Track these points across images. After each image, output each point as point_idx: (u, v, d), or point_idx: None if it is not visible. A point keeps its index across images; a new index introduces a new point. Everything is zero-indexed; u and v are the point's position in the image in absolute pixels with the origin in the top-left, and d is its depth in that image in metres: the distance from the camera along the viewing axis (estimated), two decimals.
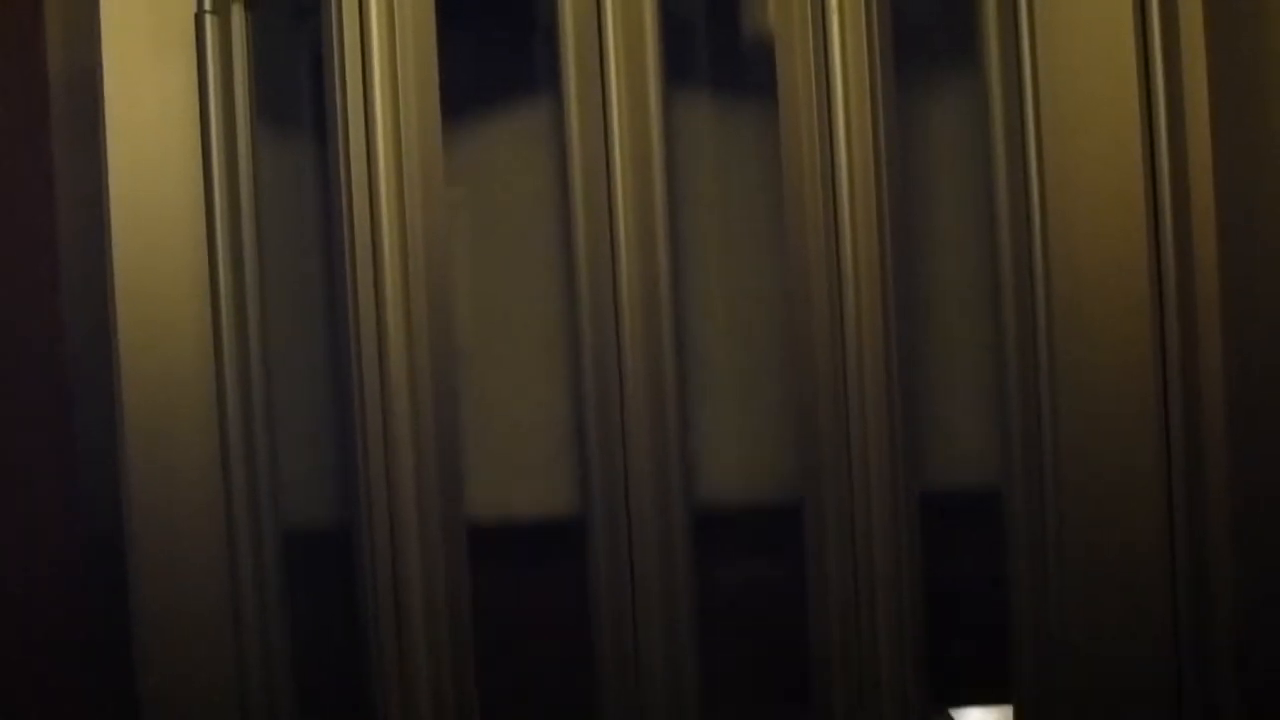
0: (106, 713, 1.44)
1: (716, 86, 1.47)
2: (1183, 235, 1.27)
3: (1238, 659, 1.27)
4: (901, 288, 1.27)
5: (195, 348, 1.37)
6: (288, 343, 1.39)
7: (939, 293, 1.38)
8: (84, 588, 1.48)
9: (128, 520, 1.32)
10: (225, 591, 1.36)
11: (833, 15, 1.22)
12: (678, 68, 1.40)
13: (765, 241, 1.35)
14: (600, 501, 1.38)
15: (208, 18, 1.39)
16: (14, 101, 1.53)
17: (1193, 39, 1.26)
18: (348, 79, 1.24)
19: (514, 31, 1.46)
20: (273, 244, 1.40)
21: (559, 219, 1.40)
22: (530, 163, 1.44)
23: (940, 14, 1.38)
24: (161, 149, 1.36)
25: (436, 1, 1.29)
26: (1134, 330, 1.28)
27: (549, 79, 1.40)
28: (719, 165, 1.47)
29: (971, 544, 1.36)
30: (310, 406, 1.40)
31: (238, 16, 1.38)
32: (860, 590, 1.27)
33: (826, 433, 1.28)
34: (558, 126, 1.40)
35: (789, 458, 1.32)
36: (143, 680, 1.31)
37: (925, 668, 1.30)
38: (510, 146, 1.48)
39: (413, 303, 1.26)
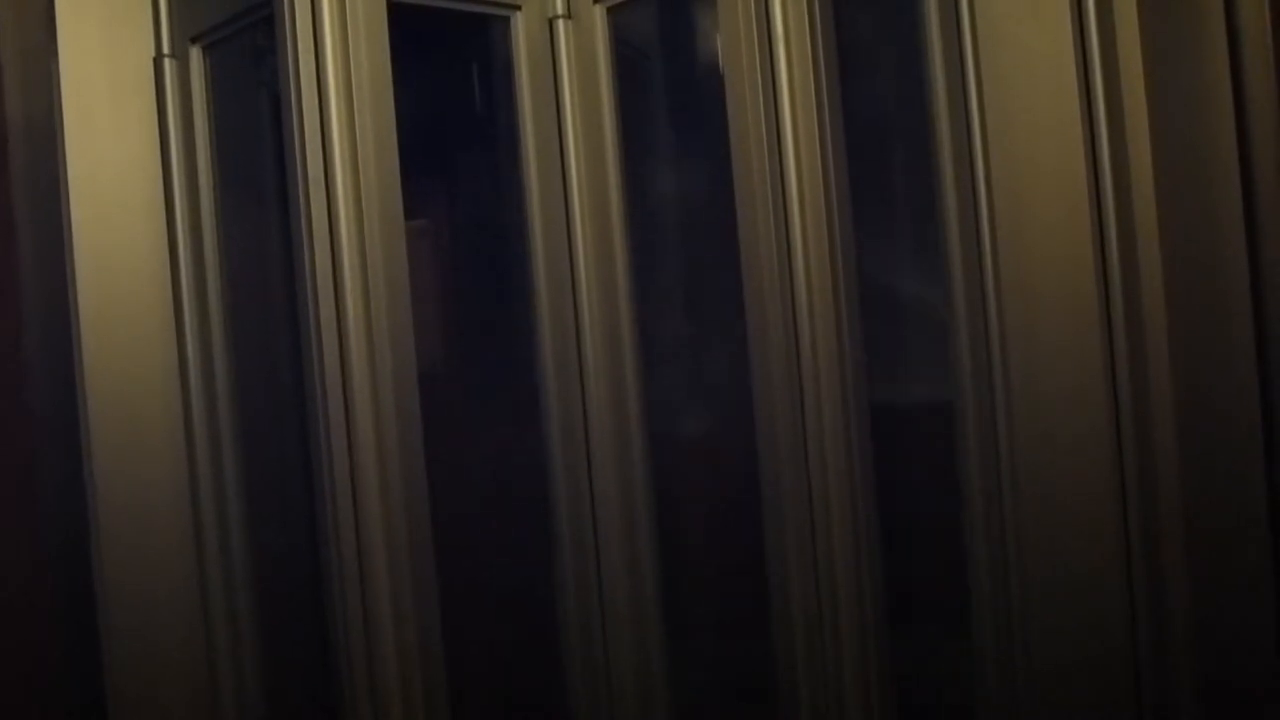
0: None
1: (670, 116, 1.50)
2: (1125, 218, 1.28)
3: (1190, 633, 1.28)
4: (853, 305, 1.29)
5: (160, 386, 1.37)
6: (253, 374, 1.40)
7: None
8: (49, 597, 1.44)
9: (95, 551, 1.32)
10: (195, 609, 1.37)
11: (779, 49, 1.25)
12: (632, 100, 1.43)
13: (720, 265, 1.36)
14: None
15: (166, 61, 1.40)
16: None
17: (1130, 62, 1.29)
18: (305, 118, 1.25)
19: (469, 67, 1.49)
20: (238, 284, 1.41)
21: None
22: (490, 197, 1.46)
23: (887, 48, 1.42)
24: (123, 193, 1.37)
25: (391, 39, 1.30)
26: (1084, 346, 1.30)
27: (507, 114, 1.43)
28: (674, 191, 1.49)
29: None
30: (277, 439, 1.41)
31: (196, 60, 1.40)
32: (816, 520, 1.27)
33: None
34: (516, 160, 1.43)
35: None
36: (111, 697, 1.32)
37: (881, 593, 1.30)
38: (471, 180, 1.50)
39: (374, 329, 1.26)
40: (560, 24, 1.42)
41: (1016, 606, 1.33)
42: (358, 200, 1.26)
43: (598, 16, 1.40)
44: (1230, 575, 1.29)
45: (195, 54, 1.39)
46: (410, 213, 1.33)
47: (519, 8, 1.41)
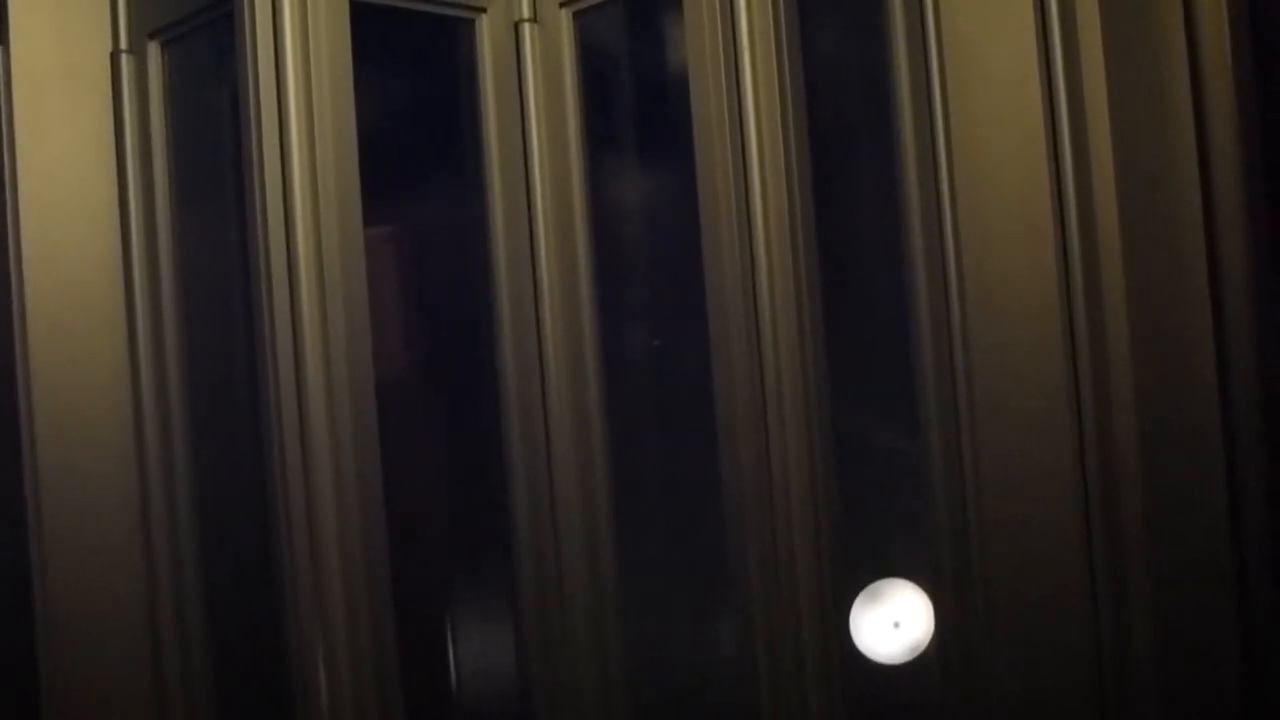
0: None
1: (635, 120, 1.49)
2: (1088, 238, 1.29)
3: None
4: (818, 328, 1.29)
5: (111, 388, 1.35)
6: (207, 377, 1.38)
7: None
8: None
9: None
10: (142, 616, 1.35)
11: (745, 58, 1.24)
12: (597, 105, 1.42)
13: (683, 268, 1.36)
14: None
15: (124, 57, 1.38)
16: None
17: (1094, 81, 1.29)
18: (263, 118, 1.23)
19: (436, 68, 1.47)
20: (192, 286, 1.38)
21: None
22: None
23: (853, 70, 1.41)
24: (76, 191, 1.34)
25: (353, 41, 1.28)
26: (1048, 360, 1.30)
27: (471, 116, 1.41)
28: (639, 195, 1.48)
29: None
30: (230, 439, 1.38)
31: (155, 56, 1.37)
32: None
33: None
34: (479, 163, 1.41)
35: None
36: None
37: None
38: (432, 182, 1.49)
39: (330, 333, 1.24)
40: (526, 27, 1.40)
41: (981, 632, 1.33)
42: (315, 203, 1.24)
43: (564, 20, 1.39)
44: (1192, 585, 1.30)
45: (154, 50, 1.37)
46: (371, 217, 1.32)
47: (484, 10, 1.39)
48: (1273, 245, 1.37)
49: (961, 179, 1.34)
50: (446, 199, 1.47)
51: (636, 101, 1.48)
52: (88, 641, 1.31)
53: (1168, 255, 1.32)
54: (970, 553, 1.33)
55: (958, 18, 1.35)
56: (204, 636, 1.36)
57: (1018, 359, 1.31)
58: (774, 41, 1.24)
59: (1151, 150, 1.32)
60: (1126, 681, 1.27)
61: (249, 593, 1.36)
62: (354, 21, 1.28)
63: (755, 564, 1.26)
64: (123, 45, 1.38)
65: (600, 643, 1.40)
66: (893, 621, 1.31)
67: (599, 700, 1.40)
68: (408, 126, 1.47)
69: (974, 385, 1.34)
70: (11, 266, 1.32)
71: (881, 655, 1.31)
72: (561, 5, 1.39)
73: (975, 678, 1.32)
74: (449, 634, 1.44)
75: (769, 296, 1.25)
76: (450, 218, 1.46)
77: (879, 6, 1.35)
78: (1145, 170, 1.31)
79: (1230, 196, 1.35)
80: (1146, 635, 1.27)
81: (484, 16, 1.39)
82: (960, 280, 1.35)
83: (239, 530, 1.37)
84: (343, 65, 1.27)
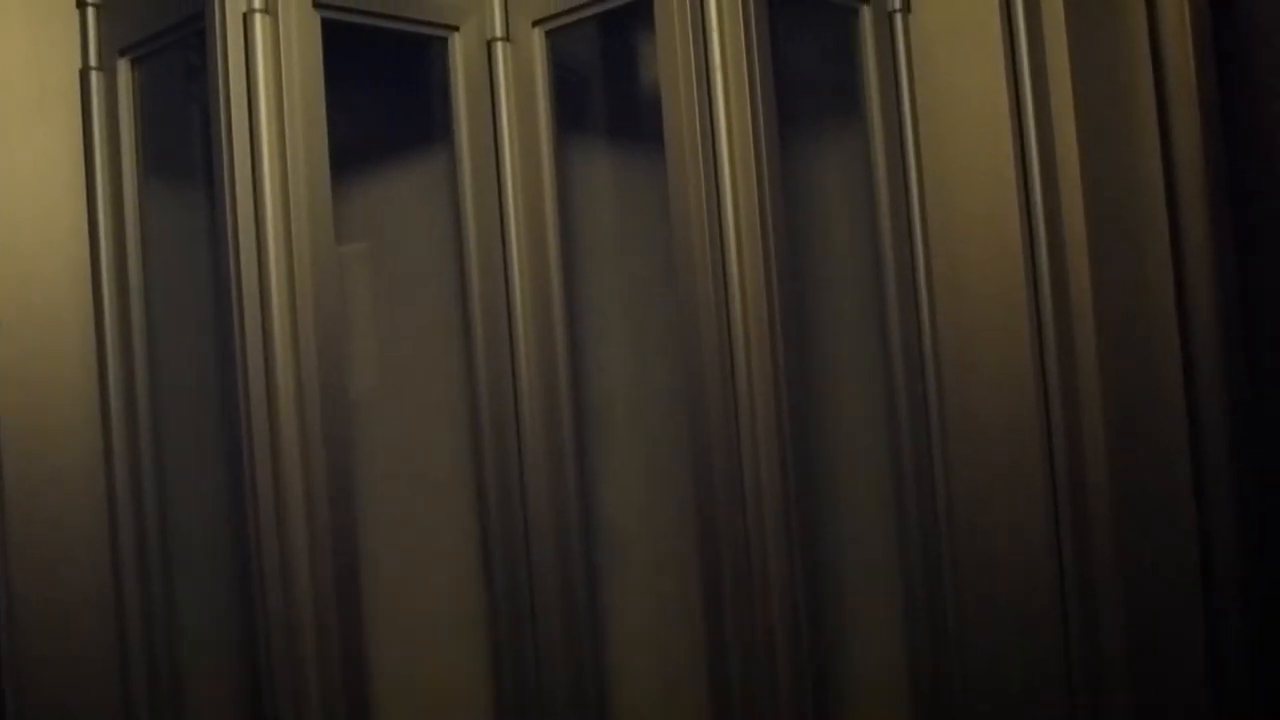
0: None
1: (608, 139, 1.49)
2: (1055, 236, 1.30)
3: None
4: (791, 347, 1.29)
5: (80, 406, 1.34)
6: (176, 391, 1.37)
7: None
8: None
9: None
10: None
11: (717, 75, 1.25)
12: (570, 123, 1.42)
13: (656, 284, 1.36)
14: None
15: (93, 74, 1.37)
16: None
17: (1061, 99, 1.31)
18: (234, 137, 1.23)
19: (409, 86, 1.47)
20: (163, 304, 1.38)
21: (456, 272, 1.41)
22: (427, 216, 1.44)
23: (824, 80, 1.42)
24: (45, 209, 1.33)
25: (325, 59, 1.28)
26: (1018, 378, 1.31)
27: (444, 135, 1.41)
28: (611, 213, 1.48)
29: None
30: (198, 460, 1.38)
31: (125, 73, 1.37)
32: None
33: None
34: (452, 181, 1.41)
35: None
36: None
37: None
38: (406, 201, 1.49)
39: (302, 350, 1.24)
40: (498, 46, 1.41)
41: (953, 641, 1.33)
42: (287, 221, 1.24)
43: (536, 39, 1.39)
44: (1160, 589, 1.32)
45: (124, 67, 1.36)
46: (344, 234, 1.32)
47: (457, 29, 1.39)
48: (1237, 251, 1.40)
49: (931, 195, 1.35)
50: (420, 216, 1.46)
51: (609, 119, 1.48)
52: (51, 642, 1.31)
53: (1135, 269, 1.34)
54: (942, 564, 1.34)
55: (927, 37, 1.36)
56: (171, 639, 1.35)
57: (988, 374, 1.32)
58: (746, 59, 1.25)
59: (1118, 167, 1.34)
60: (1097, 686, 1.28)
61: (217, 593, 1.35)
62: (326, 39, 1.28)
63: (729, 577, 1.25)
64: (92, 62, 1.37)
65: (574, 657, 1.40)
66: None
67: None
68: (381, 145, 1.47)
69: (945, 398, 1.35)
70: None
71: None
72: (534, 23, 1.39)
73: (946, 688, 1.33)
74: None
75: (741, 312, 1.25)
76: (424, 235, 1.46)
77: (849, 26, 1.37)
78: (1112, 187, 1.33)
79: (1195, 219, 1.37)
80: (1116, 642, 1.28)
81: (456, 35, 1.39)
82: (930, 294, 1.36)
83: (208, 534, 1.37)
84: (314, 83, 1.27)
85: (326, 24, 1.28)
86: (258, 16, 1.24)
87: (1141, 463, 1.32)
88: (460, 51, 1.39)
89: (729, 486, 1.25)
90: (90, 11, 1.37)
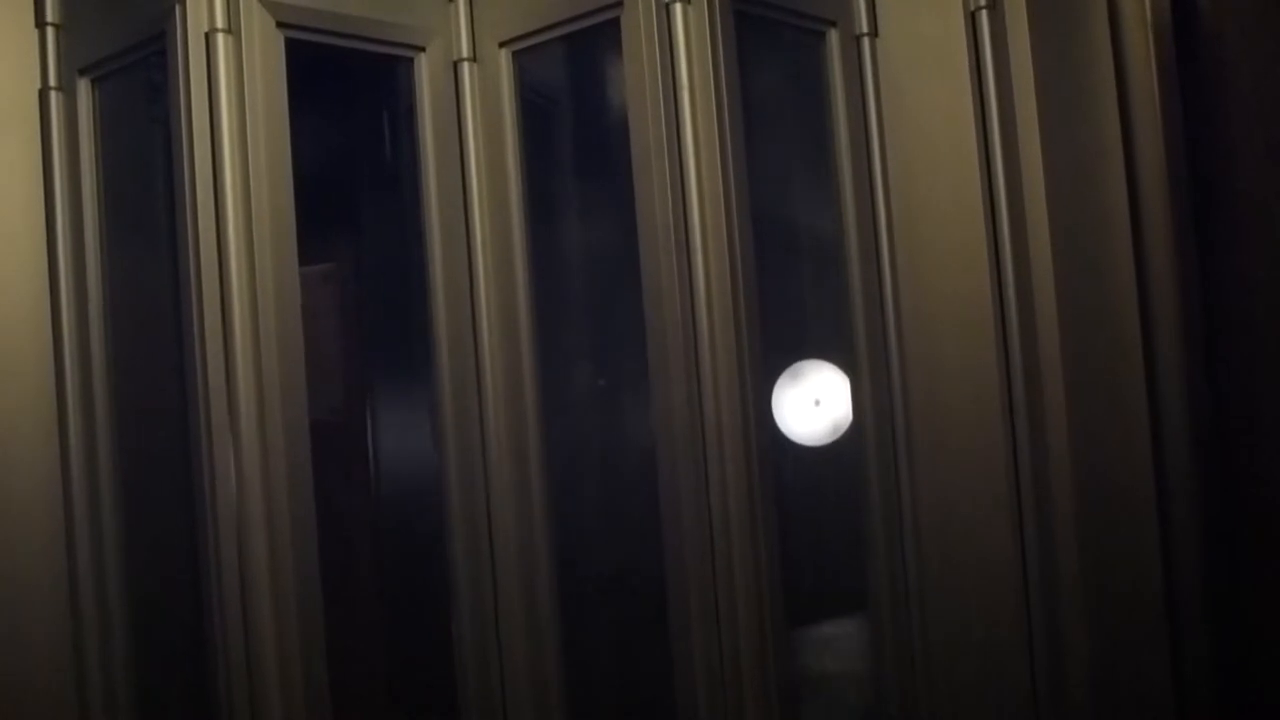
0: None
1: (574, 159, 1.49)
2: (1020, 245, 1.31)
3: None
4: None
5: (38, 428, 1.32)
6: (135, 411, 1.35)
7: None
8: None
9: None
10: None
11: (684, 97, 1.25)
12: (537, 144, 1.42)
13: (623, 305, 1.35)
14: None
15: (53, 94, 1.35)
16: None
17: (1026, 119, 1.32)
18: (196, 157, 1.21)
19: (374, 107, 1.46)
20: (122, 327, 1.35)
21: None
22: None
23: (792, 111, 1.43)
24: (3, 228, 1.31)
25: (289, 78, 1.27)
26: (985, 411, 1.31)
27: (410, 155, 1.40)
28: (578, 233, 1.48)
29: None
30: (158, 477, 1.35)
31: (85, 93, 1.35)
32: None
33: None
34: (418, 205, 1.40)
35: None
36: None
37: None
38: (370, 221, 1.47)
39: (264, 374, 1.22)
40: (465, 66, 1.40)
41: (919, 648, 1.33)
42: (249, 242, 1.22)
43: (503, 60, 1.39)
44: (1123, 596, 1.32)
45: (84, 87, 1.35)
46: (308, 256, 1.30)
47: (423, 49, 1.38)
48: (1199, 262, 1.41)
49: (898, 214, 1.36)
50: (385, 238, 1.45)
51: (576, 140, 1.48)
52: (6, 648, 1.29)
53: (1099, 282, 1.35)
54: (908, 573, 1.34)
55: (893, 59, 1.37)
56: (128, 652, 1.34)
57: (954, 398, 1.33)
58: (714, 80, 1.25)
59: (1082, 183, 1.35)
60: (1058, 692, 1.29)
61: (174, 602, 1.33)
62: (290, 59, 1.27)
63: (695, 592, 1.25)
64: (52, 82, 1.35)
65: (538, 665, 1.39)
66: (813, 400, 1.31)
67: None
68: (346, 165, 1.46)
69: (911, 419, 1.35)
70: None
71: (803, 435, 1.30)
72: (501, 45, 1.39)
73: (912, 695, 1.33)
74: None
75: (709, 333, 1.25)
76: (389, 256, 1.45)
77: (817, 49, 1.37)
78: (1077, 203, 1.34)
79: (1158, 235, 1.38)
80: (1080, 647, 1.28)
81: (423, 55, 1.38)
82: (898, 315, 1.36)
83: (167, 554, 1.34)
84: (278, 104, 1.25)
85: (290, 44, 1.27)
86: (220, 36, 1.23)
87: (1105, 474, 1.32)
88: (427, 72, 1.38)
89: (696, 520, 1.25)
90: (50, 31, 1.35)
